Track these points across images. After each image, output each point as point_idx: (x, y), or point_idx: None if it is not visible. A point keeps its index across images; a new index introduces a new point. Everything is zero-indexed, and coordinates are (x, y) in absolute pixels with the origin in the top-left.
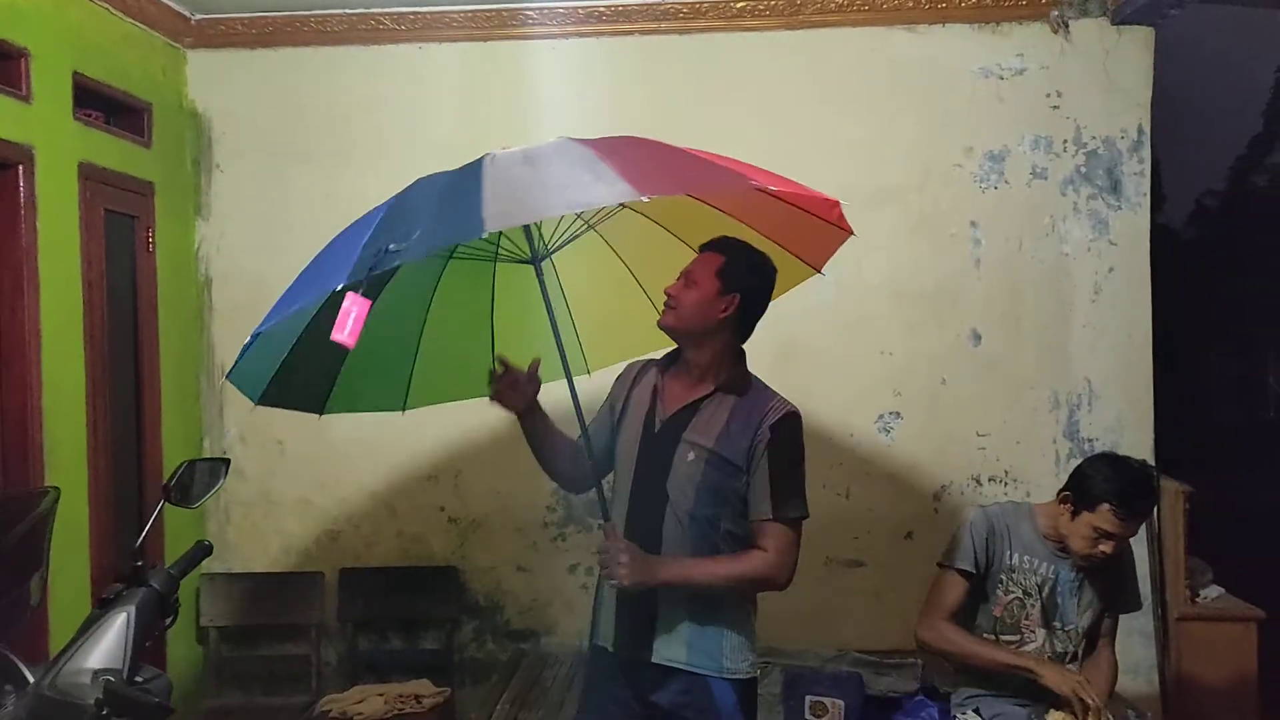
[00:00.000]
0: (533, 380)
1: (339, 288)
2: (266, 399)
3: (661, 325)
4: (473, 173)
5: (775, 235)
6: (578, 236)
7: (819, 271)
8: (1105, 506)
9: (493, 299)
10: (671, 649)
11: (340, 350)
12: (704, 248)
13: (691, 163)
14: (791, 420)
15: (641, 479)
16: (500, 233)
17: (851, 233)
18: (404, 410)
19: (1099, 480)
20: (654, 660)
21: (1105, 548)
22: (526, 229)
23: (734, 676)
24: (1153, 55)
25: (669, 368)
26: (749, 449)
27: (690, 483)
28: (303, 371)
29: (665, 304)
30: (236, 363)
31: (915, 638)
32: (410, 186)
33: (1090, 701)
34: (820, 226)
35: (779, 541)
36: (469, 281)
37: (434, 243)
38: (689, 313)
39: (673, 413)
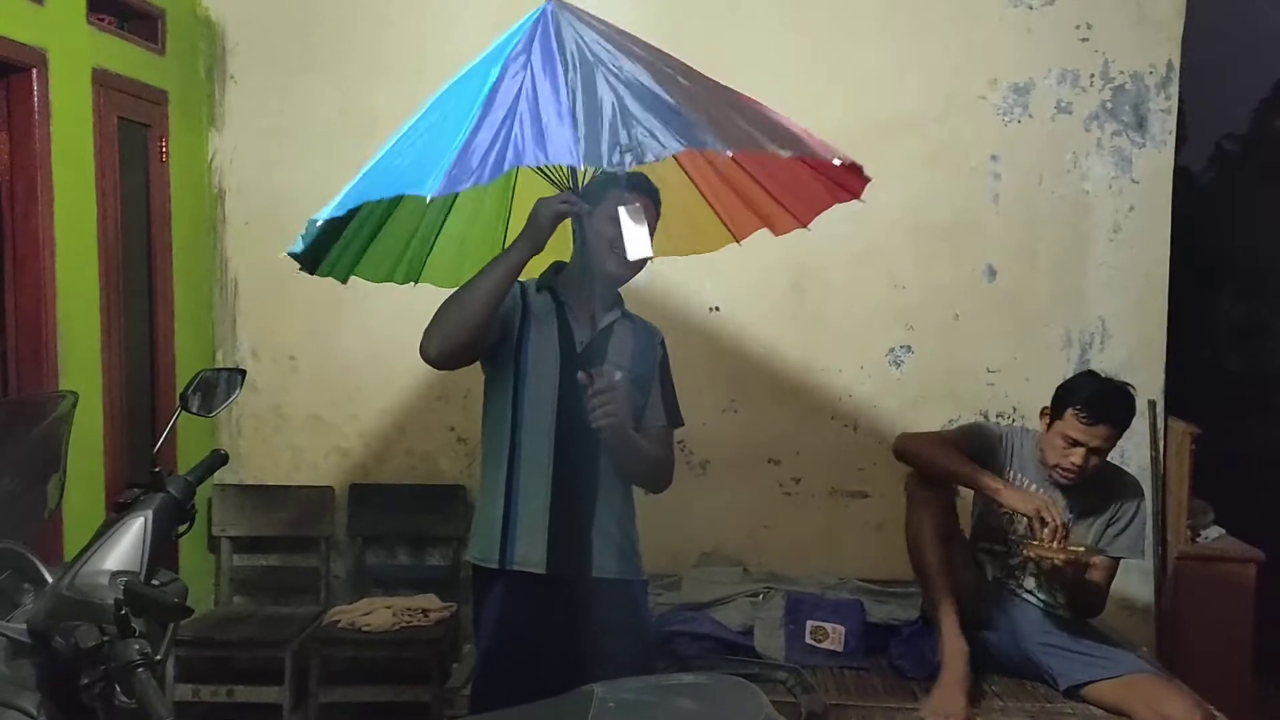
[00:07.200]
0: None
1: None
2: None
3: (618, 274)
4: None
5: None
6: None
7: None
8: (1069, 411)
9: (511, 199)
10: (607, 561)
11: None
12: (632, 187)
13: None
14: (663, 337)
15: (569, 399)
16: None
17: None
18: (416, 283)
19: (1069, 388)
20: (595, 574)
21: (1075, 458)
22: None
23: (644, 579)
24: None
25: (558, 292)
26: (653, 365)
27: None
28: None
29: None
30: (297, 252)
31: (893, 445)
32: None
33: (1053, 520)
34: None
35: (670, 445)
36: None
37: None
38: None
39: (592, 336)
